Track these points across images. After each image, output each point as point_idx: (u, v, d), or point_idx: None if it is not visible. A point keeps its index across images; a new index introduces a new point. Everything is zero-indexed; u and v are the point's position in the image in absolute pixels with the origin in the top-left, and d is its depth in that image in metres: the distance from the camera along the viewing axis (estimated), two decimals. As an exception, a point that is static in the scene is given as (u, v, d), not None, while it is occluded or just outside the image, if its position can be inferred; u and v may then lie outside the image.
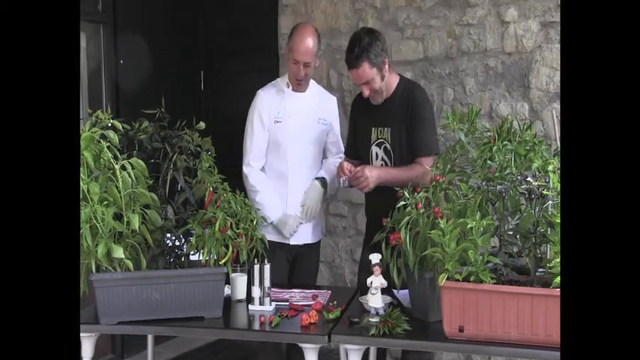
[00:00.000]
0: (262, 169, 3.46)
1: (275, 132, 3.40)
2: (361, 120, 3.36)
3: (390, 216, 2.62)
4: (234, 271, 2.86)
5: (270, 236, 3.25)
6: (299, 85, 3.40)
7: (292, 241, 3.43)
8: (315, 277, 3.67)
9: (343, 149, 3.57)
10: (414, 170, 3.08)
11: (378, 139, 3.25)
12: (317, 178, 3.44)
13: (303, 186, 3.43)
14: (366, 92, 3.18)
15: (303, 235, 3.48)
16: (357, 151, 3.41)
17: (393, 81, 3.24)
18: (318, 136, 3.49)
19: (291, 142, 3.40)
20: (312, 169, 3.48)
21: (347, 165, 3.17)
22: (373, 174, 3.11)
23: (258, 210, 3.14)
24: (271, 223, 3.34)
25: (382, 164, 3.24)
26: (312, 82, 3.51)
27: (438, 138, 3.25)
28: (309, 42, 3.31)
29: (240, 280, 2.90)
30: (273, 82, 3.52)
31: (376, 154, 3.26)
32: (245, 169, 3.42)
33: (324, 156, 3.56)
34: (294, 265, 3.53)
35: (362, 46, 3.10)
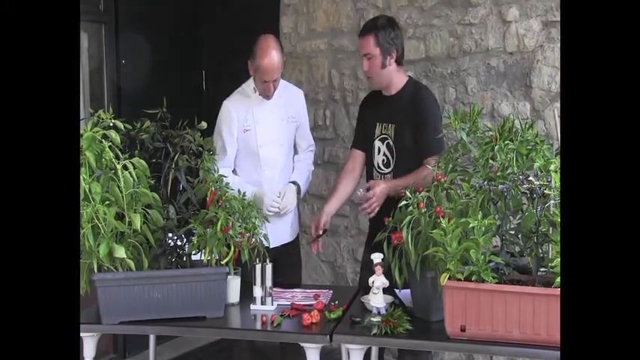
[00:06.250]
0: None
1: (245, 140, 3.38)
2: (368, 114, 3.44)
3: (392, 215, 2.62)
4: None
5: None
6: (268, 97, 3.37)
7: (272, 244, 3.25)
8: (300, 273, 3.64)
9: (313, 142, 3.64)
10: (419, 174, 3.08)
11: (381, 134, 3.32)
12: (292, 182, 3.44)
13: (277, 188, 3.40)
14: (365, 65, 3.27)
15: (281, 235, 3.44)
16: (362, 143, 3.46)
17: (401, 79, 3.32)
18: (288, 135, 3.49)
19: (263, 148, 3.39)
20: (285, 170, 3.48)
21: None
22: (381, 187, 3.16)
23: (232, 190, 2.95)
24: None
25: (384, 159, 3.31)
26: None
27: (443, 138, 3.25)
28: (275, 58, 3.25)
29: (234, 282, 2.84)
30: (238, 89, 3.46)
31: (378, 148, 3.33)
32: None
33: (295, 151, 3.56)
34: (276, 266, 3.45)
35: (376, 24, 3.27)
